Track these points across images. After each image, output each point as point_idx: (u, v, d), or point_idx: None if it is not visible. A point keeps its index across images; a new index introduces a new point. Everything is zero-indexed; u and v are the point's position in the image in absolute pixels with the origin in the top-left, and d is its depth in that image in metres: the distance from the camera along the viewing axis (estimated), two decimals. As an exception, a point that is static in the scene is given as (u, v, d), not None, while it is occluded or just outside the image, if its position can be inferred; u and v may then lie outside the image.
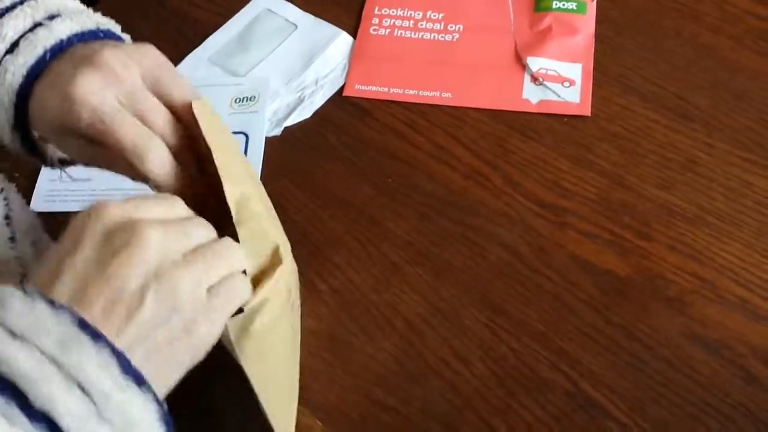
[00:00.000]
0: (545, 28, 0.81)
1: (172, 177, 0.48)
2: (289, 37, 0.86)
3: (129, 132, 0.47)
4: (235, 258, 0.45)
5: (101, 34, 0.53)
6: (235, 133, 0.77)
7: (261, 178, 0.73)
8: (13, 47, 0.51)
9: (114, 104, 0.48)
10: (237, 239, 0.46)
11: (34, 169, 0.78)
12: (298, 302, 0.59)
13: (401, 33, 0.84)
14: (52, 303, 0.38)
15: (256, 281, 0.47)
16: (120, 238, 0.41)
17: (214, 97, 0.76)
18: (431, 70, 0.81)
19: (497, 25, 0.83)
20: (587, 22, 0.81)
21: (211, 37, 0.88)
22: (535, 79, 0.78)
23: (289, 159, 0.75)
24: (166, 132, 0.49)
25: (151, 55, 0.50)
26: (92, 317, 0.39)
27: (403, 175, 0.73)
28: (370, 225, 0.70)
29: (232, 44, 0.87)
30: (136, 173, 0.49)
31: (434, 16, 0.85)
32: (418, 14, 0.86)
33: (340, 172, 0.74)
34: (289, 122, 0.79)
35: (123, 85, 0.48)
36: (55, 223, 0.56)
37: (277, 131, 0.78)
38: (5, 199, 0.57)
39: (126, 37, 0.55)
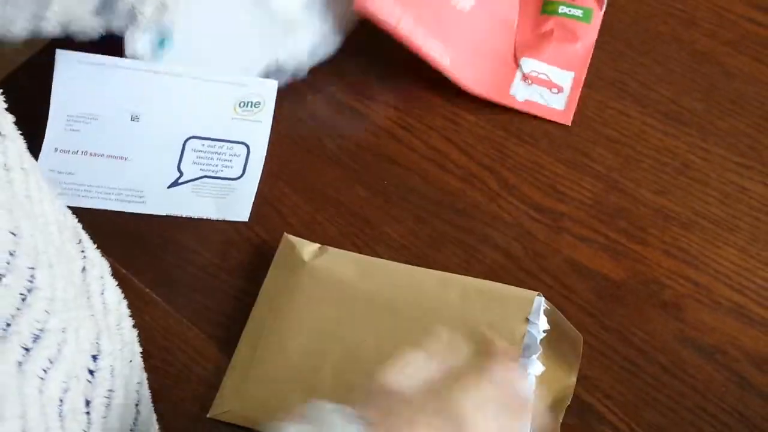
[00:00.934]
0: (547, 32, 0.81)
1: None
2: None
3: None
4: None
5: None
6: (235, 142, 0.74)
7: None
8: None
9: None
10: None
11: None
12: None
13: None
14: None
15: None
16: None
17: (217, 96, 0.75)
18: (441, 28, 0.76)
19: (507, 15, 0.81)
20: (590, 32, 0.80)
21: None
22: (525, 78, 0.78)
23: (285, 162, 0.75)
24: None
25: None
26: None
27: (398, 177, 0.73)
28: (365, 228, 0.70)
29: None
30: None
31: None
32: None
33: (335, 175, 0.74)
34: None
35: None
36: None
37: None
38: None
39: None
